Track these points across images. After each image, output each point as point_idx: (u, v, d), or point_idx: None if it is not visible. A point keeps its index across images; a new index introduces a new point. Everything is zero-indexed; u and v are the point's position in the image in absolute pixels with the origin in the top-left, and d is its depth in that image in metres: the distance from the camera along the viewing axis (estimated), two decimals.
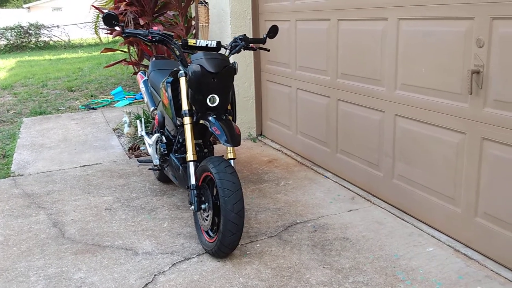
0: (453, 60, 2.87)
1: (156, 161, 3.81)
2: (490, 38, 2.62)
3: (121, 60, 5.71)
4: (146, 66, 5.75)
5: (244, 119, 5.55)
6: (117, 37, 5.56)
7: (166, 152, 3.58)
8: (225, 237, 2.80)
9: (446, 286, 2.62)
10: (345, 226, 3.37)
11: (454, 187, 3.00)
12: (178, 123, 3.24)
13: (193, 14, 6.01)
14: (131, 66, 6.19)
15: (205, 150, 3.40)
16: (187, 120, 3.07)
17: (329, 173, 4.36)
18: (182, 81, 3.11)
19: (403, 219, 3.42)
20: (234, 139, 2.84)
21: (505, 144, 2.63)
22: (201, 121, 3.04)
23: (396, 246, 3.06)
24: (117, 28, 4.77)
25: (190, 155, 3.04)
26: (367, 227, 3.33)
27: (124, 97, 8.29)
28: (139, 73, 4.37)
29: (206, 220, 3.02)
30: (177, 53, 3.16)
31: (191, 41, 3.17)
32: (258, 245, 3.16)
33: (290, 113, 4.91)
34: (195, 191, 3.00)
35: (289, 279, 2.76)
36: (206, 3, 5.20)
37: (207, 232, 3.09)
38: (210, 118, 2.99)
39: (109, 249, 3.21)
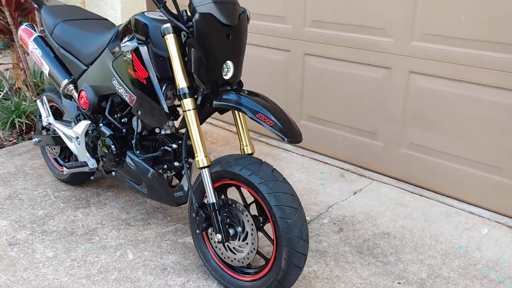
0: None
1: (93, 163, 2.52)
2: None
3: None
4: None
5: None
6: None
7: (118, 150, 2.35)
8: (288, 275, 1.88)
9: None
10: (370, 216, 2.70)
11: (501, 154, 2.56)
12: (166, 109, 2.06)
13: None
14: None
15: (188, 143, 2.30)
16: (188, 103, 1.94)
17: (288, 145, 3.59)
18: (172, 42, 1.93)
19: (422, 195, 2.89)
20: (294, 132, 1.86)
21: None
22: (216, 103, 1.94)
23: (450, 234, 2.53)
24: None
25: (203, 159, 1.94)
26: (396, 213, 2.72)
27: None
28: (23, 26, 2.84)
29: (240, 251, 2.02)
30: None
31: None
32: None
33: None
34: (218, 213, 1.96)
35: None
36: None
37: (233, 268, 2.10)
38: (232, 96, 1.93)
39: None
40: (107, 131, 2.40)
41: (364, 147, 3.13)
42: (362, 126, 3.10)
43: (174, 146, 2.24)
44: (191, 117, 1.95)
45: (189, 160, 2.29)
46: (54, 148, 3.01)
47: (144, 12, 2.16)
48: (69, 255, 2.39)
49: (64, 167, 2.49)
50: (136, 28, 2.05)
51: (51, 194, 2.98)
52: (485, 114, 2.56)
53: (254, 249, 1.96)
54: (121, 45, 2.09)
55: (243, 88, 2.10)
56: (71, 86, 2.60)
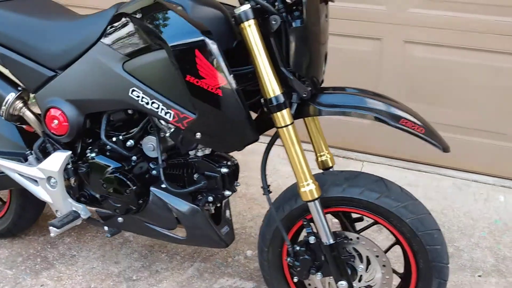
0: None
1: (85, 211, 1.74)
2: None
3: None
4: None
5: None
6: None
7: (139, 188, 1.64)
8: None
9: None
10: None
11: (506, 120, 2.54)
12: (253, 125, 1.45)
13: None
14: None
15: (234, 162, 1.72)
16: (285, 117, 1.40)
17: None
18: (255, 31, 1.34)
19: (420, 171, 2.75)
20: (441, 137, 1.48)
21: None
22: (327, 110, 1.43)
23: (476, 208, 2.44)
24: None
25: (312, 189, 1.43)
26: (430, 197, 2.50)
27: None
28: None
29: None
30: None
31: None
32: None
33: None
34: (339, 255, 1.49)
35: None
36: None
37: None
38: (343, 99, 1.45)
39: None
40: (110, 163, 1.66)
41: (346, 127, 2.85)
42: None
43: (224, 170, 1.64)
44: (291, 135, 1.41)
45: (236, 185, 1.73)
46: None
47: None
48: None
49: (51, 228, 1.65)
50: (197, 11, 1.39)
51: None
52: (489, 81, 2.49)
53: None
54: (168, 39, 1.37)
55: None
56: (19, 103, 1.73)
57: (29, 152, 1.77)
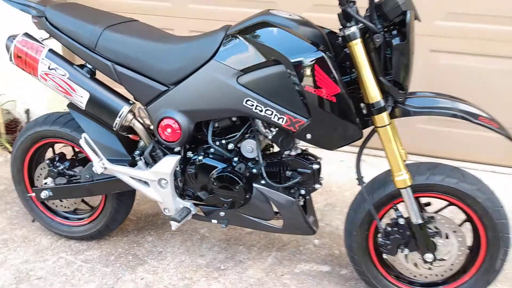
0: None
1: (193, 207, 1.97)
2: None
3: None
4: None
5: None
6: None
7: (247, 185, 1.89)
8: (498, 273, 1.85)
9: None
10: None
11: None
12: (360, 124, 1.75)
13: None
14: None
15: (320, 159, 1.98)
16: (384, 118, 1.69)
17: None
18: (361, 49, 1.63)
19: None
20: (507, 130, 1.79)
21: None
22: (417, 111, 1.73)
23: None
24: None
25: (405, 178, 1.72)
26: None
27: None
28: (19, 36, 1.94)
29: (439, 265, 1.87)
30: None
31: None
32: None
33: None
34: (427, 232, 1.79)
35: None
36: None
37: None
38: (428, 101, 1.77)
39: None
40: (218, 164, 1.90)
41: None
42: None
43: (316, 166, 1.91)
44: (388, 133, 1.71)
45: (320, 179, 1.99)
46: (66, 200, 2.26)
47: (269, 11, 1.78)
48: None
49: (173, 222, 1.88)
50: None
51: (75, 260, 2.25)
52: (509, 85, 2.84)
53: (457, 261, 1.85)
54: (289, 56, 1.64)
55: None
56: (130, 115, 1.95)
57: (139, 158, 1.99)
